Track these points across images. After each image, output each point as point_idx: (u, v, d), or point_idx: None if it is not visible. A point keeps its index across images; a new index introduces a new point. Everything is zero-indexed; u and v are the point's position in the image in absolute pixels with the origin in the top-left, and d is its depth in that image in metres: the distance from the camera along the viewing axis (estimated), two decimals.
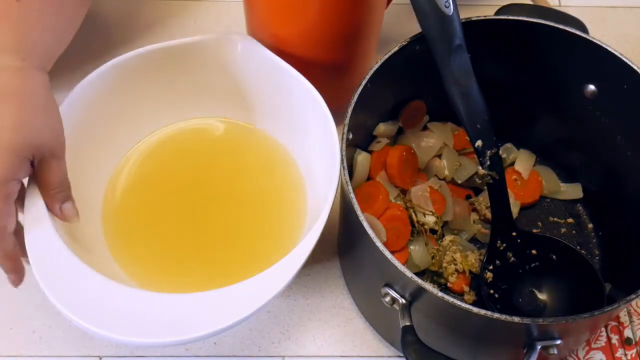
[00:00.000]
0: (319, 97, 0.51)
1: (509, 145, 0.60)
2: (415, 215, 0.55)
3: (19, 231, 0.45)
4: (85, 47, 0.69)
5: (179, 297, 0.42)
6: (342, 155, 0.46)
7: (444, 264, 0.54)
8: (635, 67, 0.48)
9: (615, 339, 0.54)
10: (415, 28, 0.48)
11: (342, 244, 0.56)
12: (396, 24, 0.71)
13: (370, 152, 0.55)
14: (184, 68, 0.56)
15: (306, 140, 0.55)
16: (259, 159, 0.58)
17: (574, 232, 0.57)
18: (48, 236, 0.44)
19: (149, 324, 0.41)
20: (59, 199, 0.46)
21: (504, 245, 0.53)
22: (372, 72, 0.48)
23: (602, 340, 0.54)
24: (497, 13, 0.54)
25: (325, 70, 0.56)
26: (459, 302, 0.40)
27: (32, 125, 0.44)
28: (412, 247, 0.54)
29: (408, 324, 0.43)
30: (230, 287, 0.43)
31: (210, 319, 0.41)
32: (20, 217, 0.45)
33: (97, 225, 0.54)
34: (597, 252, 0.56)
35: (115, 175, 0.57)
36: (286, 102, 0.55)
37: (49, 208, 0.46)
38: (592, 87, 0.52)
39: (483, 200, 0.57)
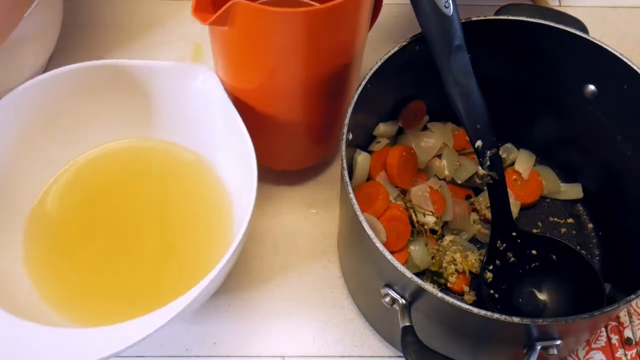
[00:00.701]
0: (249, 143, 0.49)
1: (509, 145, 0.60)
2: (415, 215, 0.55)
3: None
4: (84, 47, 0.69)
5: (59, 332, 0.43)
6: (342, 156, 0.46)
7: (444, 264, 0.54)
8: (635, 67, 0.48)
9: (615, 339, 0.54)
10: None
11: (342, 244, 0.56)
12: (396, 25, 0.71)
13: (370, 152, 0.55)
14: (136, 88, 0.55)
15: (236, 173, 0.54)
16: (191, 184, 0.57)
17: (574, 232, 0.57)
18: None
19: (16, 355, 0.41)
20: None
21: (504, 245, 0.53)
22: (372, 72, 0.48)
23: (602, 341, 0.54)
24: (497, 13, 0.54)
25: (294, 129, 0.54)
26: (458, 303, 0.40)
27: None
28: (412, 247, 0.54)
29: (408, 324, 0.43)
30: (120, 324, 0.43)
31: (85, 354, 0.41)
32: None
33: (17, 245, 0.52)
34: (597, 252, 0.56)
35: (43, 195, 0.55)
36: (224, 138, 0.54)
37: None
38: (592, 87, 0.52)
39: (483, 200, 0.57)
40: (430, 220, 0.54)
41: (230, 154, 0.54)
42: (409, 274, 0.41)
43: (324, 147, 0.59)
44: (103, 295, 0.52)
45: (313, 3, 0.55)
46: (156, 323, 0.42)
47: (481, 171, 0.52)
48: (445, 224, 0.56)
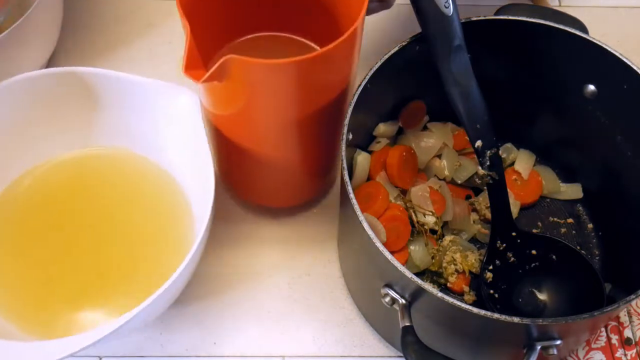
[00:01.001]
0: (210, 164, 0.49)
1: (509, 145, 0.60)
2: (415, 215, 0.55)
3: None
4: (84, 47, 0.69)
5: None
6: (342, 156, 0.46)
7: (444, 264, 0.54)
8: (635, 67, 0.48)
9: (615, 339, 0.54)
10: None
11: (342, 244, 0.56)
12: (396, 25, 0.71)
13: (370, 152, 0.55)
14: (113, 99, 0.54)
15: (200, 185, 0.53)
16: (154, 197, 0.56)
17: (574, 232, 0.57)
18: None
19: None
20: None
21: (504, 245, 0.53)
22: (372, 72, 0.48)
23: (602, 340, 0.54)
24: (497, 13, 0.54)
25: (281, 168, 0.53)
26: (458, 303, 0.40)
27: None
28: (412, 247, 0.54)
29: (408, 324, 0.43)
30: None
31: None
32: None
33: None
34: (597, 252, 0.56)
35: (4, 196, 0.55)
36: (190, 158, 0.54)
37: None
38: (592, 87, 0.52)
39: (483, 200, 0.57)
40: (430, 220, 0.54)
41: (194, 173, 0.54)
42: (409, 274, 0.41)
43: (321, 181, 0.58)
44: (58, 305, 0.51)
45: (298, 38, 0.55)
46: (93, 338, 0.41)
47: (481, 171, 0.52)
48: (445, 224, 0.56)
